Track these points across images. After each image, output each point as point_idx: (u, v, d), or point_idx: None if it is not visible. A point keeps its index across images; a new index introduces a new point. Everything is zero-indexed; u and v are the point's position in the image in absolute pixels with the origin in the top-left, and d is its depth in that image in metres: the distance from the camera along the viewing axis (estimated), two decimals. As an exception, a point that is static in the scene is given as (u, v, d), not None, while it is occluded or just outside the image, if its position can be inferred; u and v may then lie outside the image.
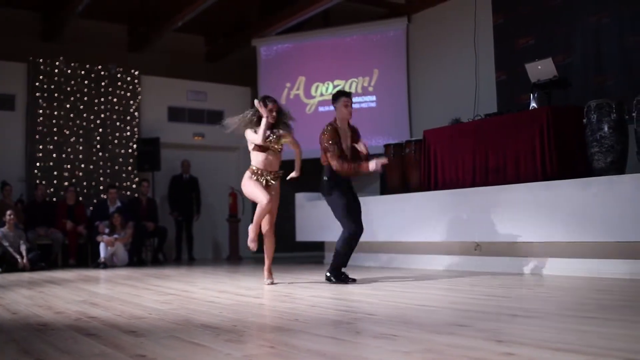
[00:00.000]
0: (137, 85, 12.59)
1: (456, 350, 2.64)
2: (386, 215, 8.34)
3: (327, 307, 4.22)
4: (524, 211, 6.60)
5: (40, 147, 11.57)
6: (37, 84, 11.63)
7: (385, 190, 9.44)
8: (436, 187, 8.20)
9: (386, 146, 9.54)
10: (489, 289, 5.15)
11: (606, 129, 6.45)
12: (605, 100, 6.61)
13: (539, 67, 7.67)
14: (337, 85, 12.15)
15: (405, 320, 3.53)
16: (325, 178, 6.12)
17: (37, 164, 11.52)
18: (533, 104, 7.48)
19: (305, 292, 5.34)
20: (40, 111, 11.63)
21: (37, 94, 11.63)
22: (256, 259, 12.32)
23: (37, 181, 11.22)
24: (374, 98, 11.90)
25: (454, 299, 4.47)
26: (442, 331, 3.13)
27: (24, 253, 9.39)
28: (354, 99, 11.88)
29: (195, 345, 2.97)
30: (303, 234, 9.70)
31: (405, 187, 8.93)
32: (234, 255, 12.22)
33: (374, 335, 3.10)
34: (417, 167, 8.72)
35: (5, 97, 11.54)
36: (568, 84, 7.68)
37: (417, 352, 2.62)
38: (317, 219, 9.26)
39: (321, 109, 12.22)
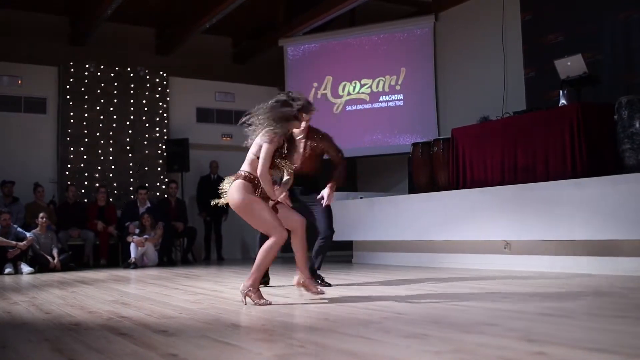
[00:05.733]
0: (165, 87, 12.70)
1: (487, 349, 2.62)
2: (415, 215, 8.32)
3: (356, 307, 4.21)
4: (554, 209, 6.53)
5: (72, 149, 11.73)
6: (67, 87, 11.80)
7: (414, 189, 9.41)
8: (465, 186, 8.16)
9: (414, 145, 9.51)
10: (519, 288, 5.11)
11: (638, 125, 6.37)
12: (637, 96, 6.53)
13: (569, 63, 7.59)
14: (365, 84, 12.14)
15: (435, 320, 3.51)
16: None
17: (69, 166, 11.68)
18: (563, 101, 7.41)
19: (334, 291, 5.33)
20: (71, 114, 11.79)
21: (68, 97, 11.79)
22: (284, 258, 12.35)
23: (69, 183, 11.37)
24: (401, 97, 11.87)
25: (483, 298, 4.44)
26: (472, 330, 3.11)
27: (55, 254, 9.53)
28: (382, 98, 11.96)
29: (226, 344, 2.98)
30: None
31: (433, 186, 8.89)
32: (263, 255, 12.24)
33: (403, 334, 3.08)
34: (446, 165, 8.68)
35: (37, 101, 11.73)
36: (598, 80, 7.59)
37: (448, 351, 2.60)
38: (346, 219, 9.26)
39: (348, 108, 12.22)
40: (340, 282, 6.25)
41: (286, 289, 5.71)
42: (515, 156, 7.60)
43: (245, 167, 4.55)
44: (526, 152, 7.48)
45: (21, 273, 8.98)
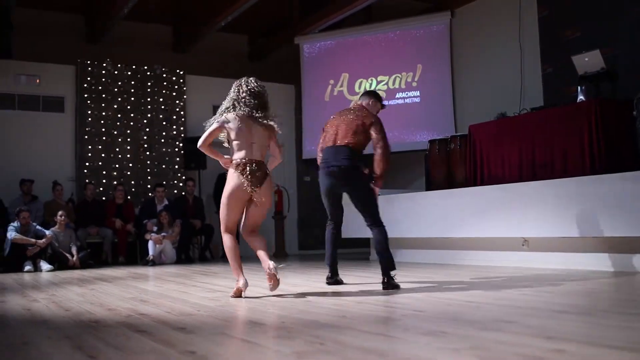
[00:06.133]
0: (182, 85, 12.75)
1: (505, 346, 2.62)
2: (432, 212, 8.30)
3: (374, 304, 4.22)
4: (572, 206, 6.49)
5: (89, 147, 11.81)
6: (85, 85, 11.87)
7: (431, 186, 9.39)
8: (482, 183, 8.13)
9: (431, 142, 9.49)
10: (537, 285, 5.09)
11: (656, 121, 6.33)
12: (656, 92, 6.48)
13: (586, 59, 7.55)
14: (381, 81, 12.13)
15: (453, 317, 3.51)
16: (353, 164, 5.43)
17: (87, 164, 11.76)
18: (581, 97, 7.36)
19: (352, 288, 5.34)
20: (89, 112, 11.87)
21: (85, 96, 11.86)
22: (301, 256, 12.38)
23: (87, 181, 11.45)
24: (417, 93, 11.85)
25: (501, 295, 4.43)
26: (490, 327, 3.11)
27: (74, 252, 9.61)
28: (399, 95, 11.94)
29: (244, 341, 3.00)
30: (348, 230, 9.63)
31: (450, 182, 8.87)
32: (280, 252, 12.30)
33: (422, 332, 3.09)
34: (463, 162, 8.66)
35: (55, 100, 11.82)
36: (616, 76, 7.54)
37: (466, 348, 2.60)
38: (362, 216, 9.25)
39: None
40: (358, 279, 6.25)
41: (304, 286, 5.72)
42: (533, 152, 7.57)
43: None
44: (544, 148, 7.44)
45: (40, 270, 9.07)
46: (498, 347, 2.61)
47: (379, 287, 5.29)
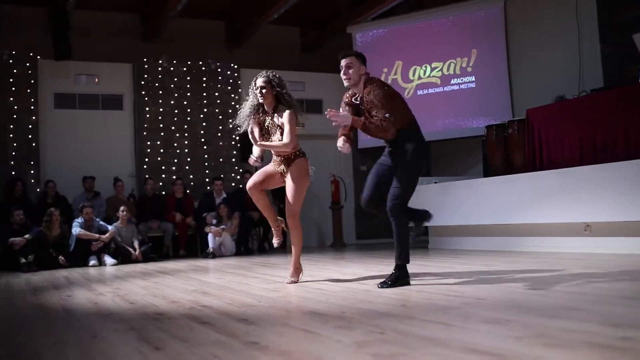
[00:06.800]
0: (237, 79, 12.86)
1: (571, 334, 2.56)
2: (491, 198, 8.19)
3: (434, 292, 4.18)
4: (635, 189, 6.31)
5: (148, 143, 12.02)
6: (142, 82, 12.08)
7: (489, 172, 9.27)
8: (541, 168, 7.99)
9: (488, 127, 9.37)
10: (601, 271, 4.98)
11: None
12: None
13: (648, 37, 7.33)
14: (435, 68, 12.00)
15: (515, 305, 3.46)
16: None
17: (146, 160, 11.97)
18: (643, 77, 7.16)
19: (412, 276, 5.30)
20: (147, 109, 12.08)
21: (143, 93, 12.07)
22: (359, 245, 12.38)
23: (147, 176, 11.66)
24: (473, 79, 11.68)
25: (564, 282, 4.35)
26: (555, 315, 3.05)
27: (136, 246, 9.82)
28: (453, 81, 11.80)
29: (306, 332, 3.01)
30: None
31: (509, 168, 8.74)
32: (338, 242, 12.32)
33: (484, 320, 3.05)
34: (521, 147, 8.53)
35: (114, 98, 12.08)
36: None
37: (530, 337, 2.56)
38: (421, 204, 9.19)
39: (419, 92, 12.11)
40: (418, 268, 6.21)
41: (363, 276, 5.71)
42: (594, 135, 7.40)
43: None
44: (605, 130, 7.26)
45: (105, 265, 9.30)
46: (564, 335, 2.56)
47: (440, 274, 5.26)
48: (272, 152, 5.48)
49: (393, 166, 4.76)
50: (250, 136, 5.36)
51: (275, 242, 5.79)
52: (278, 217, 5.86)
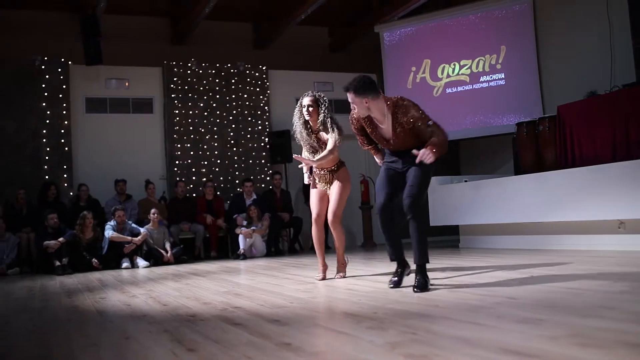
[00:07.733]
0: (265, 80, 12.91)
1: (606, 334, 2.53)
2: (522, 196, 8.10)
3: (466, 292, 4.16)
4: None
5: (178, 145, 12.12)
6: (172, 86, 12.18)
7: (520, 169, 9.18)
8: (574, 165, 7.89)
9: (518, 125, 9.28)
10: (635, 269, 4.91)
11: None
12: None
13: (681, 30, 7.20)
14: (464, 65, 11.92)
15: (549, 304, 3.42)
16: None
17: (177, 162, 12.07)
18: (676, 71, 7.04)
19: (443, 276, 5.28)
20: (176, 112, 12.17)
21: (173, 96, 12.18)
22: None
23: (177, 178, 11.76)
24: (502, 76, 11.58)
25: (599, 280, 4.29)
26: (589, 314, 3.02)
27: (168, 248, 9.90)
28: (483, 78, 11.71)
29: (338, 332, 3.01)
30: (437, 218, 9.55)
31: (540, 165, 8.65)
32: (368, 242, 12.30)
33: (516, 319, 3.02)
34: (552, 144, 8.44)
35: (145, 101, 12.21)
36: None
37: (564, 336, 2.53)
38: (451, 203, 9.16)
39: (448, 90, 12.05)
40: (449, 267, 6.18)
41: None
42: (627, 131, 7.29)
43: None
44: (638, 126, 7.15)
45: (137, 267, 9.39)
46: (599, 334, 2.53)
47: (471, 274, 5.22)
48: (317, 169, 5.73)
49: (405, 168, 4.71)
50: (303, 162, 5.56)
51: (339, 276, 5.89)
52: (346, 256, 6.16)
